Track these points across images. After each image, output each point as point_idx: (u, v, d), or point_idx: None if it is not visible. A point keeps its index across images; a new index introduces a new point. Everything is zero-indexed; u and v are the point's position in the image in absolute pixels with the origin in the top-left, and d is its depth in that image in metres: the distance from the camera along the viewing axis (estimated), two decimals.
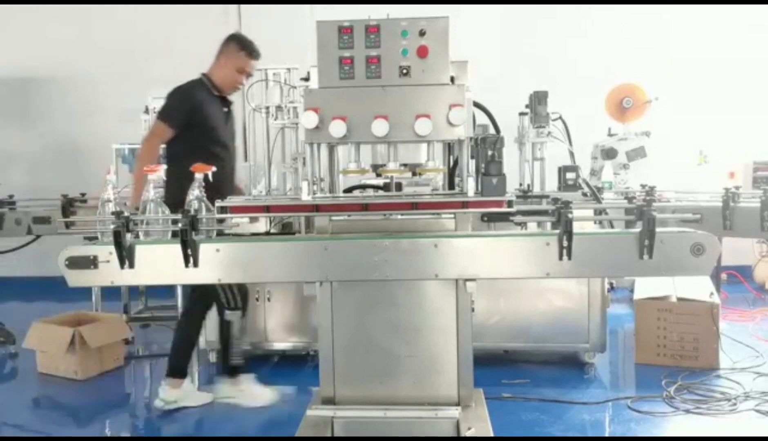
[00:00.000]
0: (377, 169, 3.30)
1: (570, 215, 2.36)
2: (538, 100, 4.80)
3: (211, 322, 4.53)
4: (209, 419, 4.03)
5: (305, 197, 2.63)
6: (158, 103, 6.04)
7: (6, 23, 7.42)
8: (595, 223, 3.24)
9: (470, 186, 2.62)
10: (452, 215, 2.83)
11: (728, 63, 6.67)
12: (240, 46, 3.92)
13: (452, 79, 2.72)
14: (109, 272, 2.46)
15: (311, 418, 2.90)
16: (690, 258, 2.35)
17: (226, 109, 4.01)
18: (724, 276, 6.12)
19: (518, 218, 2.74)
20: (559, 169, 4.71)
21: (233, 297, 3.89)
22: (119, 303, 5.61)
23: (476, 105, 2.94)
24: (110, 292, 5.41)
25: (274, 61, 5.01)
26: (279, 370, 4.62)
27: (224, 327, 4.06)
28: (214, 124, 3.84)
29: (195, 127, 3.77)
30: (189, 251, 2.43)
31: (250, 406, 3.98)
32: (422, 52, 2.63)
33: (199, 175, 3.37)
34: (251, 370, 4.57)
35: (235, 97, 4.24)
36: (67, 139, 7.45)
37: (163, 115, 3.82)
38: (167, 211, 2.74)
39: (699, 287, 4.60)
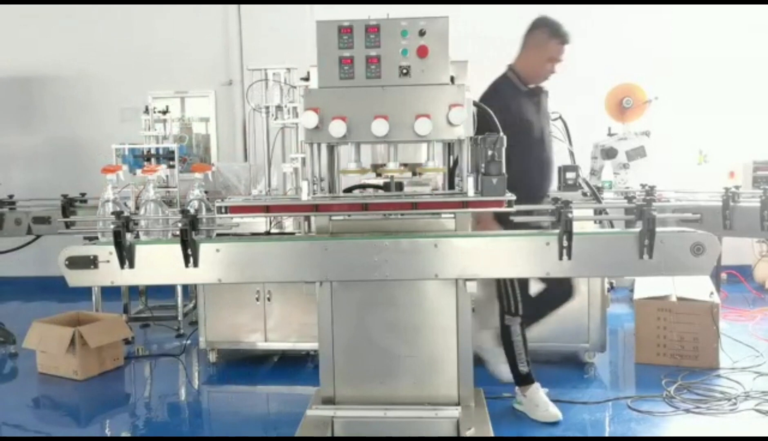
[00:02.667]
0: (377, 168, 3.30)
1: (570, 215, 2.37)
2: None
3: (211, 320, 4.54)
4: (209, 419, 4.04)
5: (305, 197, 2.63)
6: (158, 103, 6.13)
7: (6, 23, 7.41)
8: (595, 223, 3.24)
9: (470, 186, 2.63)
10: (452, 215, 2.83)
11: (728, 63, 6.66)
12: (550, 33, 3.53)
13: (452, 79, 2.72)
14: (109, 272, 2.47)
15: (311, 418, 2.90)
16: (690, 258, 2.36)
17: (536, 100, 3.66)
18: (724, 276, 6.11)
19: (518, 218, 2.75)
20: (559, 169, 4.71)
21: (515, 302, 3.59)
22: (119, 303, 5.60)
23: (476, 105, 2.94)
24: (110, 292, 5.40)
25: (274, 61, 5.01)
26: (279, 370, 4.62)
27: (504, 332, 3.65)
28: (522, 121, 3.50)
29: (504, 128, 3.53)
30: (189, 251, 2.43)
31: (539, 420, 3.59)
32: (422, 52, 2.63)
33: (199, 175, 3.39)
34: (251, 371, 4.58)
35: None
36: (67, 139, 7.45)
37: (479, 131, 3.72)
38: (167, 211, 2.74)
39: (699, 287, 4.60)
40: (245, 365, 4.67)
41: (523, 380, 3.65)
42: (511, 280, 3.55)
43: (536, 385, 3.66)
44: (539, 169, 3.61)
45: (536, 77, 3.58)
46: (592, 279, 4.21)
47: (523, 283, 3.59)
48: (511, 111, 3.42)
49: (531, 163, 3.52)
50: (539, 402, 3.62)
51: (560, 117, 4.98)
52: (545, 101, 3.75)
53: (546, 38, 3.51)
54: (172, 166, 5.12)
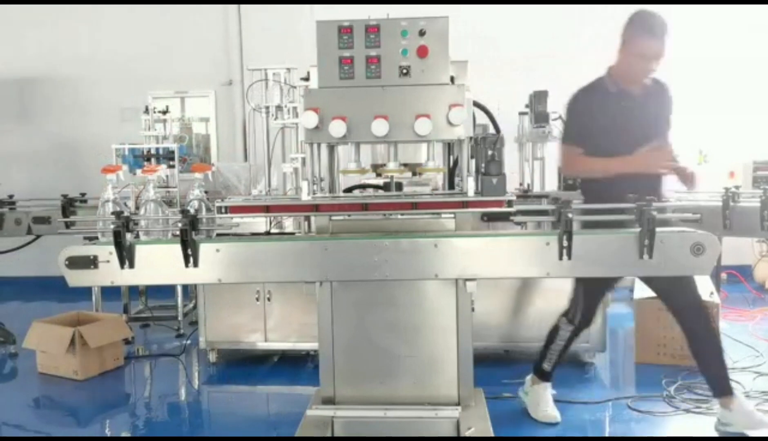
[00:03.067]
0: (377, 168, 3.30)
1: (570, 215, 2.37)
2: (538, 100, 4.79)
3: (211, 320, 4.54)
4: (209, 419, 4.04)
5: (305, 197, 2.63)
6: (158, 103, 6.14)
7: (6, 23, 7.42)
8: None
9: (470, 186, 2.63)
10: (452, 215, 2.83)
11: (728, 63, 6.66)
12: (640, 27, 3.22)
13: (452, 79, 2.72)
14: (109, 272, 2.47)
15: (311, 418, 2.90)
16: (690, 258, 2.36)
17: (632, 103, 3.30)
18: (724, 276, 6.11)
19: (518, 218, 2.75)
20: (559, 169, 4.71)
21: (575, 311, 3.51)
22: (119, 303, 5.60)
23: (476, 105, 2.94)
24: (110, 292, 5.41)
25: (274, 61, 5.02)
26: (279, 370, 4.62)
27: (553, 329, 3.63)
28: (603, 128, 3.24)
29: (594, 136, 3.24)
30: (189, 251, 2.43)
31: (537, 419, 3.59)
32: (422, 52, 2.63)
33: (199, 175, 3.40)
34: (251, 371, 4.58)
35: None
36: (67, 139, 7.45)
37: (563, 138, 3.44)
38: (167, 211, 2.74)
39: (699, 287, 4.58)
40: (245, 365, 4.67)
41: (539, 374, 3.66)
42: (579, 290, 3.48)
43: (547, 385, 3.66)
44: (621, 183, 3.08)
45: (631, 77, 3.28)
46: None
47: (590, 296, 3.48)
48: (589, 117, 3.25)
49: (610, 176, 3.19)
50: (541, 401, 3.63)
51: (560, 117, 4.99)
52: (654, 102, 3.35)
53: (635, 33, 3.21)
54: (172, 166, 5.12)
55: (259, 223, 4.30)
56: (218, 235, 2.91)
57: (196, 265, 2.45)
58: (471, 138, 2.71)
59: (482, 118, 3.24)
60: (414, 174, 3.44)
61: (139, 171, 4.18)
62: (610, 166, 3.18)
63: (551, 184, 4.95)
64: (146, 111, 5.93)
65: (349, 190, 3.33)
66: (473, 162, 2.71)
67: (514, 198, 2.58)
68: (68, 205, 4.44)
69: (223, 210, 2.66)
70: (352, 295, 2.94)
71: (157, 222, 2.98)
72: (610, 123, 3.24)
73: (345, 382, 2.97)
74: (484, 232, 2.96)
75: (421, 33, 2.62)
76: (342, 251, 2.49)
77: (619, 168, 3.15)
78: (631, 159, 3.16)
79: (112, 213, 2.49)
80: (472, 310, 2.98)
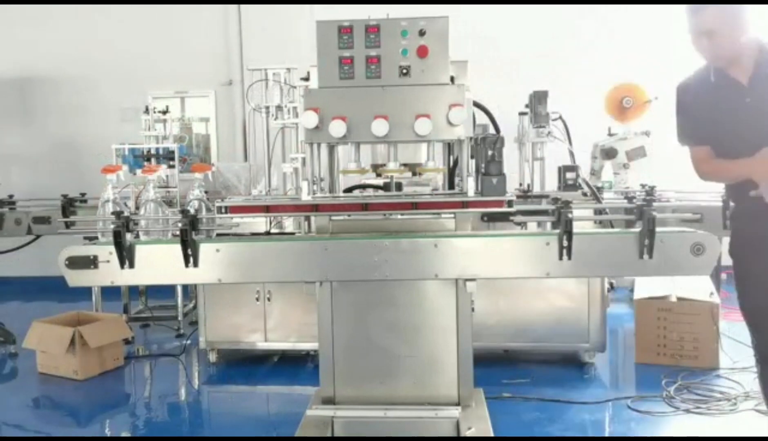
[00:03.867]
0: (377, 168, 3.30)
1: (570, 215, 2.37)
2: (538, 100, 4.79)
3: (211, 320, 4.54)
4: (209, 419, 4.04)
5: (305, 197, 2.63)
6: (158, 103, 6.14)
7: (6, 23, 7.42)
8: (595, 223, 3.24)
9: (470, 186, 2.63)
10: (452, 215, 2.83)
11: None
12: (687, 5, 2.76)
13: (452, 79, 2.72)
14: (109, 272, 2.47)
15: (311, 418, 2.90)
16: (690, 258, 2.36)
17: (732, 91, 2.78)
18: (723, 276, 6.09)
19: (518, 218, 2.75)
20: (559, 169, 4.71)
21: (753, 345, 3.12)
22: (119, 303, 5.60)
23: (476, 105, 2.94)
24: (110, 292, 5.41)
25: (274, 61, 5.02)
26: (279, 370, 4.62)
27: None
28: (703, 121, 2.90)
29: (704, 131, 2.89)
30: (189, 251, 2.43)
31: None
32: (422, 52, 2.63)
33: (199, 175, 3.40)
34: (251, 371, 4.59)
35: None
36: (67, 139, 7.46)
37: (677, 138, 3.07)
38: (167, 211, 2.74)
39: (699, 287, 4.59)
40: (245, 365, 4.67)
41: None
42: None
43: None
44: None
45: (712, 60, 2.81)
46: (592, 279, 4.21)
47: (756, 325, 3.05)
48: (690, 108, 2.96)
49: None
50: None
51: (560, 117, 4.99)
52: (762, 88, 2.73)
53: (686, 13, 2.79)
54: (172, 166, 5.13)
55: (259, 223, 4.30)
56: (218, 235, 2.92)
57: (196, 265, 2.45)
58: (471, 138, 2.71)
59: (482, 118, 3.24)
60: (414, 174, 3.44)
61: (139, 171, 4.18)
62: (730, 170, 2.78)
63: (551, 184, 4.94)
64: (146, 111, 5.94)
65: (349, 190, 3.33)
66: (473, 162, 2.71)
67: (514, 198, 2.58)
68: (68, 205, 4.44)
69: (223, 210, 2.66)
70: (352, 295, 2.94)
71: (157, 222, 2.98)
72: (716, 116, 2.83)
73: (345, 382, 2.97)
74: (484, 232, 2.96)
75: (421, 33, 2.62)
76: (342, 251, 2.49)
77: (740, 173, 2.73)
78: (751, 163, 2.65)
79: (112, 213, 2.49)
80: (472, 310, 2.98)
